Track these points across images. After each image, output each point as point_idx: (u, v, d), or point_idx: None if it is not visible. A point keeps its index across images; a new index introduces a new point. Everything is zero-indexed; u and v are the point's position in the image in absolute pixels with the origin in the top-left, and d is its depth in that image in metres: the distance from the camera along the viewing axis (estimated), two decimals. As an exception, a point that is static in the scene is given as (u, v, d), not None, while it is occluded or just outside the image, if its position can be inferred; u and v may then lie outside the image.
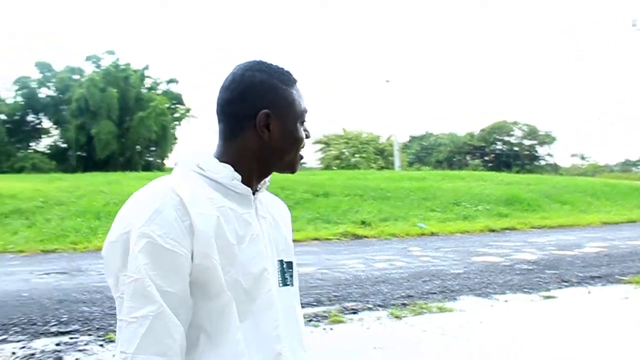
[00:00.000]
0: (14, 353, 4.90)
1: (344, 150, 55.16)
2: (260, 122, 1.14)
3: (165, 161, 44.48)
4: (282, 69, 1.19)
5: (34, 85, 38.88)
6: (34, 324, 5.73)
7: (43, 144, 40.95)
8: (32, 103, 38.47)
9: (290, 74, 1.20)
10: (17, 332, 5.48)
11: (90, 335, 5.39)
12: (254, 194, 1.17)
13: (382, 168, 47.54)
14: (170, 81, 42.90)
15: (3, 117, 37.04)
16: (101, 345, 5.09)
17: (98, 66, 39.15)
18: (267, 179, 1.23)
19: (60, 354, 4.84)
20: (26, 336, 5.37)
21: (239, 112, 1.14)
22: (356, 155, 54.31)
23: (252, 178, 1.16)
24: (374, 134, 56.29)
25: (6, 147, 36.84)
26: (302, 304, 4.94)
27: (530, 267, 8.82)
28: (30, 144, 40.25)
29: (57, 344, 5.12)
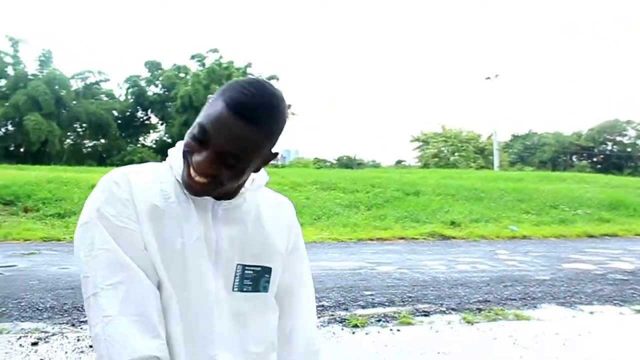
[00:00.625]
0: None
1: (442, 148, 54.10)
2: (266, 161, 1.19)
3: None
4: (251, 102, 1.06)
5: (143, 83, 41.26)
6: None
7: (150, 139, 43.39)
8: (141, 100, 40.85)
9: (245, 107, 1.04)
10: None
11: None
12: (220, 198, 1.15)
13: (481, 167, 46.23)
14: (270, 78, 43.93)
15: (115, 113, 39.54)
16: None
17: (202, 64, 40.87)
18: (251, 182, 1.20)
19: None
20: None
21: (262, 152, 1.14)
22: (455, 154, 53.12)
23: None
24: (474, 132, 54.76)
25: (117, 142, 39.37)
26: (374, 303, 4.91)
27: (625, 278, 8.22)
28: (139, 139, 42.77)
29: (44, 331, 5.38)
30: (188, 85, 39.13)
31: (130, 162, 35.28)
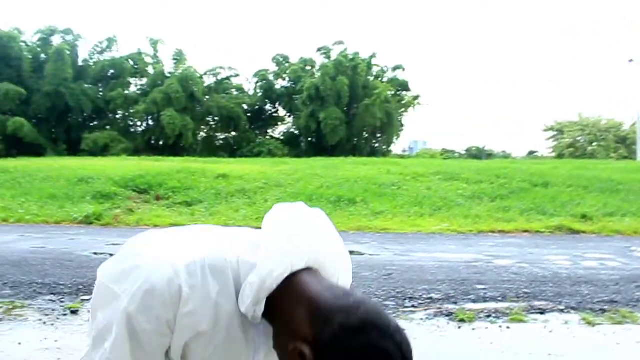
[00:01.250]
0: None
1: (579, 138, 50.70)
2: (294, 349, 0.94)
3: (391, 148, 45.49)
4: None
5: (271, 77, 42.63)
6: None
7: (278, 131, 44.78)
8: (270, 94, 42.25)
9: None
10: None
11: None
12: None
13: (624, 158, 42.72)
14: (396, 68, 43.53)
15: (245, 107, 41.21)
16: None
17: (328, 57, 41.42)
18: None
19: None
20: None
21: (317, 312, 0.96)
22: (593, 144, 49.56)
23: (273, 319, 1.03)
24: (615, 120, 50.70)
25: (247, 134, 41.05)
26: (485, 297, 4.66)
27: None
28: (268, 131, 44.27)
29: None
30: (314, 77, 39.86)
31: (259, 153, 36.83)
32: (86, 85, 37.94)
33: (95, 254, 8.65)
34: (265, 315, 1.01)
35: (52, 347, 4.48)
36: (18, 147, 33.93)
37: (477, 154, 55.57)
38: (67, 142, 37.16)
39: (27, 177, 16.75)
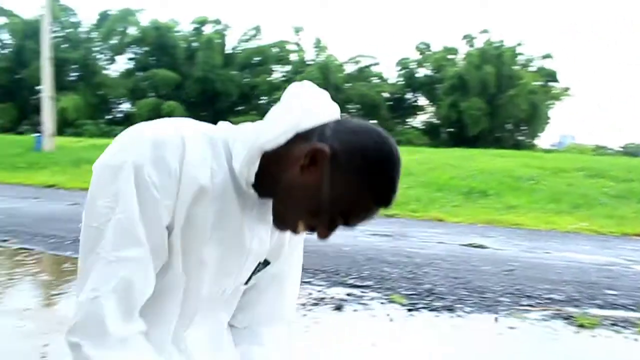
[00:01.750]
0: (310, 294, 5.51)
1: None
2: (314, 151, 0.97)
3: (536, 141, 43.21)
4: (390, 187, 1.00)
5: (412, 65, 42.18)
6: (338, 274, 6.33)
7: (418, 121, 44.24)
8: (411, 82, 41.85)
9: (388, 200, 1.00)
10: (321, 279, 6.15)
11: (378, 292, 5.69)
12: (264, 196, 1.07)
13: None
14: (545, 57, 41.10)
15: (386, 95, 41.18)
16: (382, 303, 5.33)
17: (472, 45, 40.12)
18: None
19: (343, 303, 5.24)
20: (327, 283, 5.98)
21: (313, 130, 1.01)
22: None
23: (268, 189, 1.04)
24: None
25: (387, 123, 40.99)
26: (614, 304, 4.32)
27: None
28: (407, 121, 43.91)
29: (347, 294, 5.57)
30: (457, 66, 38.83)
31: (398, 142, 36.62)
32: (233, 72, 40.14)
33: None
34: (262, 192, 1.03)
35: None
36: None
37: (634, 151, 50.92)
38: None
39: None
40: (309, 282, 5.97)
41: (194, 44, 40.89)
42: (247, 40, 42.05)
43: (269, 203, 1.05)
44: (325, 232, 1.01)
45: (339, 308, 5.10)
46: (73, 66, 39.81)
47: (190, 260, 1.01)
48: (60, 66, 38.34)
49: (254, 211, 1.07)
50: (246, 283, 1.16)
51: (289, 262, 1.26)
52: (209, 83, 38.64)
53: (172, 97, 38.37)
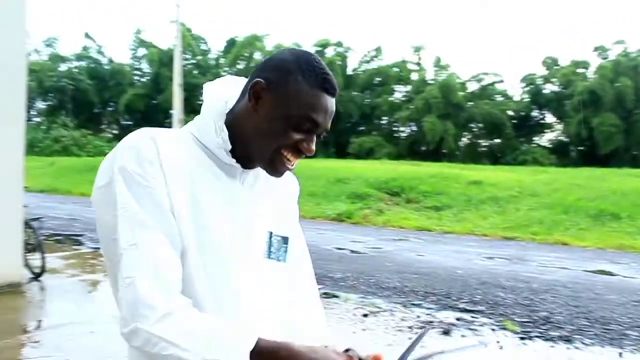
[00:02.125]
0: (418, 317, 5.45)
1: None
2: (252, 88, 1.07)
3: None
4: (320, 70, 1.07)
5: (539, 81, 40.32)
6: (449, 297, 6.20)
7: (545, 139, 42.09)
8: (537, 99, 39.98)
9: (326, 81, 1.07)
10: (432, 301, 6.05)
11: (489, 318, 5.50)
12: (247, 167, 1.12)
13: None
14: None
15: (511, 113, 39.67)
16: (493, 330, 5.15)
17: (605, 57, 37.66)
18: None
19: (451, 327, 5.11)
20: (437, 306, 5.88)
21: (252, 76, 1.11)
22: None
23: (241, 152, 1.10)
24: None
25: (511, 141, 39.44)
26: None
27: None
28: (534, 139, 41.91)
29: (457, 319, 5.43)
30: (588, 80, 36.60)
31: (524, 161, 35.27)
32: (354, 93, 40.63)
33: (338, 248, 9.24)
34: (242, 159, 1.10)
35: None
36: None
37: None
38: (335, 145, 40.25)
39: (294, 175, 18.60)
40: (418, 305, 5.90)
41: (326, 65, 42.06)
42: (368, 62, 42.46)
43: (255, 172, 1.14)
44: (306, 146, 1.07)
45: (446, 332, 4.98)
46: (202, 91, 42.41)
47: (200, 239, 1.05)
48: (191, 91, 41.01)
49: (244, 183, 1.13)
50: (269, 257, 1.16)
51: (300, 237, 1.28)
52: (332, 103, 39.53)
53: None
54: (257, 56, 42.62)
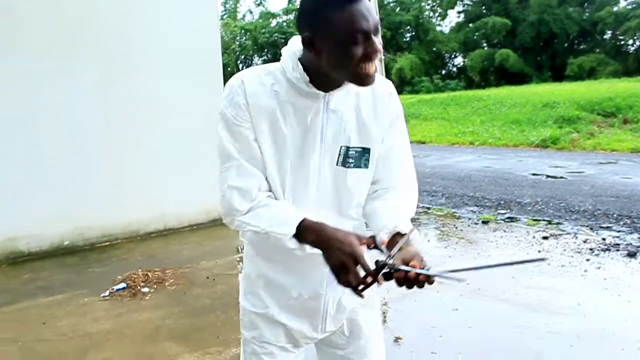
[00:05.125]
0: (603, 239, 5.16)
1: None
2: (304, 44, 1.29)
3: None
4: None
5: None
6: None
7: None
8: None
9: None
10: (624, 224, 5.66)
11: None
12: (329, 90, 1.35)
13: None
14: None
15: None
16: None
17: None
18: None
19: (638, 250, 4.76)
20: (628, 229, 5.51)
21: (298, 32, 1.31)
22: None
23: (322, 81, 1.33)
24: None
25: None
26: None
27: None
28: None
29: None
30: None
31: None
32: (570, 9, 36.84)
33: (534, 174, 8.88)
34: (324, 86, 1.33)
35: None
36: (505, 76, 35.91)
37: None
38: (551, 69, 37.24)
39: (497, 104, 17.88)
40: (607, 228, 5.55)
41: (526, -15, 38.89)
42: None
43: (343, 91, 1.36)
44: (371, 50, 1.22)
45: (631, 255, 4.65)
46: (407, 27, 42.00)
47: (279, 158, 1.37)
48: (395, 29, 40.97)
49: (328, 104, 1.37)
50: (344, 166, 1.40)
51: (392, 142, 1.47)
52: (544, 25, 36.30)
53: (505, 45, 37.30)
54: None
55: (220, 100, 1.38)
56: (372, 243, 1.29)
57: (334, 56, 1.24)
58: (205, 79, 6.12)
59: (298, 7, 1.31)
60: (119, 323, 3.49)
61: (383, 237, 1.32)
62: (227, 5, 48.60)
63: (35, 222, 5.15)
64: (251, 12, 47.29)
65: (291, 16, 45.38)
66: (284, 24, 44.88)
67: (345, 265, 1.20)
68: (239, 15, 48.70)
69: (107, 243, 5.48)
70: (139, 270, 4.40)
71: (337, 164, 1.39)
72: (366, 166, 1.43)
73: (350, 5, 1.20)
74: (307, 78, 1.31)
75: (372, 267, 1.18)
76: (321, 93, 1.33)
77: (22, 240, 5.15)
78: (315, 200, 1.41)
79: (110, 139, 5.48)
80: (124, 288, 4.08)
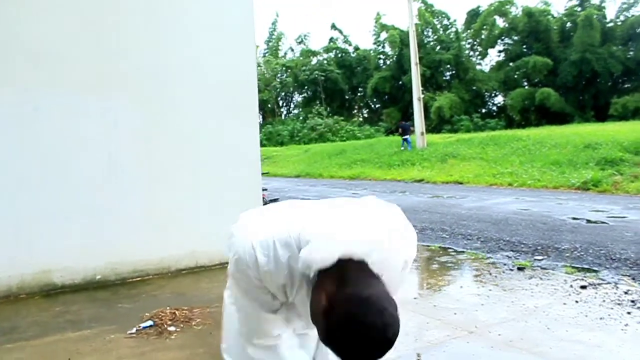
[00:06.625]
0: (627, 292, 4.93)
1: None
2: (320, 299, 1.31)
3: None
4: (347, 349, 1.18)
5: None
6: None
7: None
8: None
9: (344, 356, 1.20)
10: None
11: None
12: None
13: None
14: None
15: None
16: None
17: None
18: None
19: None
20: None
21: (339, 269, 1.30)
22: None
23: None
24: None
25: None
26: None
27: None
28: None
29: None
30: None
31: None
32: (614, 47, 36.37)
33: (573, 218, 8.64)
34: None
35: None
36: (546, 116, 35.49)
37: None
38: (594, 109, 36.65)
39: (537, 144, 17.60)
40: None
41: (569, 25, 38.64)
42: (627, 9, 37.69)
43: None
44: None
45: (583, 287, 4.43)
46: (447, 66, 42.09)
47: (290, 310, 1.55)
48: (435, 68, 41.07)
49: None
50: None
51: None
52: (587, 64, 35.92)
53: (546, 84, 37.01)
54: (500, 22, 40.99)
55: (230, 261, 1.49)
56: None
57: (314, 315, 1.28)
58: (241, 112, 6.19)
59: (323, 306, 1.26)
60: (143, 362, 3.48)
61: None
62: (270, 44, 49.67)
63: (69, 255, 5.24)
64: (292, 50, 48.21)
65: (332, 54, 46.11)
66: (324, 61, 45.55)
67: None
68: (281, 53, 49.72)
69: (139, 278, 5.53)
70: (167, 308, 4.40)
71: None
72: None
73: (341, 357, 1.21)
74: (314, 275, 1.33)
75: None
76: None
77: (56, 272, 5.23)
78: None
79: (144, 174, 5.58)
80: (150, 326, 4.08)
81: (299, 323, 1.62)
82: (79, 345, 3.82)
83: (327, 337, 1.19)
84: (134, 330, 4.02)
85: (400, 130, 24.74)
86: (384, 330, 1.14)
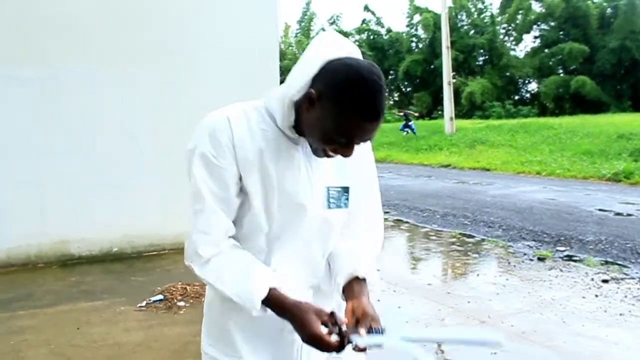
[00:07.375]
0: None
1: None
2: (307, 95, 1.22)
3: None
4: (367, 97, 1.15)
5: None
6: None
7: None
8: None
9: (369, 110, 1.16)
10: None
11: None
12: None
13: None
14: None
15: None
16: None
17: None
18: None
19: None
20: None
21: (312, 84, 1.24)
22: None
23: (301, 129, 1.30)
24: None
25: None
26: None
27: None
28: None
29: None
30: None
31: None
32: (657, 33, 35.17)
33: (600, 210, 8.41)
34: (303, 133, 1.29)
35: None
36: (581, 105, 34.63)
37: None
38: (631, 98, 35.61)
39: (568, 133, 17.19)
40: None
41: (609, 11, 37.48)
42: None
43: None
44: (342, 153, 1.24)
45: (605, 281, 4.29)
46: (480, 51, 41.24)
47: (267, 199, 1.31)
48: (468, 52, 40.31)
49: (306, 149, 1.34)
50: (329, 207, 1.38)
51: (358, 179, 1.45)
52: (626, 52, 34.84)
53: (582, 72, 36.04)
54: (536, 7, 39.97)
55: (194, 137, 1.33)
56: (333, 321, 1.23)
57: (316, 129, 1.23)
58: (262, 82, 6.10)
59: (331, 68, 1.20)
60: (149, 335, 3.49)
61: (340, 281, 1.36)
62: (302, 24, 49.41)
63: (87, 226, 5.29)
64: (324, 30, 47.85)
65: (363, 36, 45.62)
66: (356, 43, 45.05)
67: (309, 342, 1.22)
68: (312, 33, 49.38)
69: (154, 252, 5.55)
70: (179, 283, 4.41)
71: (322, 205, 1.37)
72: (346, 205, 1.42)
73: (364, 122, 1.17)
74: (292, 124, 1.29)
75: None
76: (301, 139, 1.32)
77: (74, 243, 5.29)
78: (303, 242, 1.38)
79: (163, 148, 5.56)
80: (161, 300, 4.09)
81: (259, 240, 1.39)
82: (89, 315, 3.86)
83: (334, 100, 1.16)
84: (144, 303, 4.04)
85: (405, 116, 25.19)
86: (379, 75, 1.17)
